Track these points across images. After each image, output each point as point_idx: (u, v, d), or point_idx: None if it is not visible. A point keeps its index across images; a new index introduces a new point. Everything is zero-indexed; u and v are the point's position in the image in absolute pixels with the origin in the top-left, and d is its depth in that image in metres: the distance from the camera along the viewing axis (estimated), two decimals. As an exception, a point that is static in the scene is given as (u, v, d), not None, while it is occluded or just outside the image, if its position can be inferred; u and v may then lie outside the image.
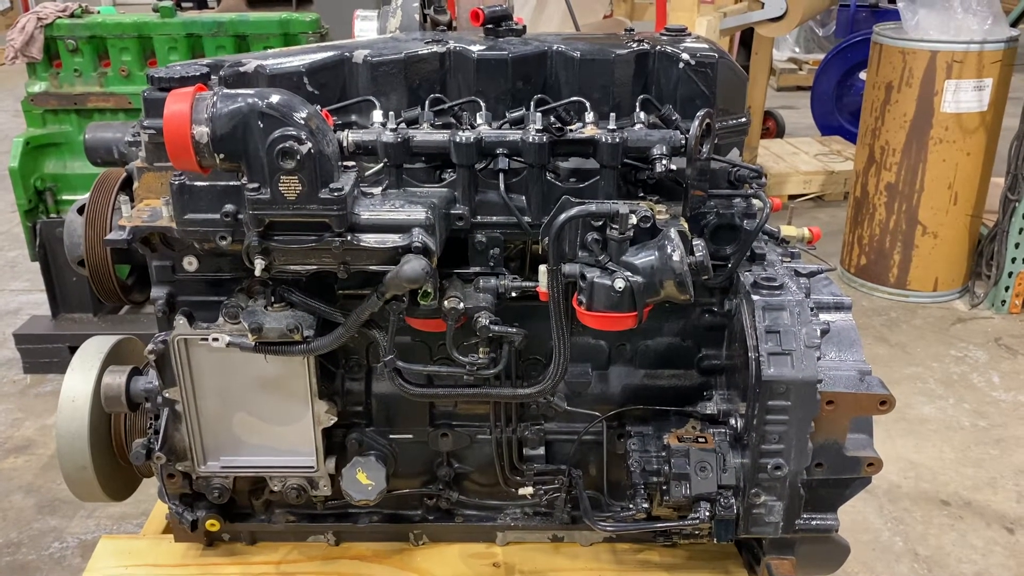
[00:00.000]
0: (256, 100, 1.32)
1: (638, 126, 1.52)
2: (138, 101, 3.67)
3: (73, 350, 1.83)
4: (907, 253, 4.36)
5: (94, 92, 3.68)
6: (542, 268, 1.50)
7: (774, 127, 6.57)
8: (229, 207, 1.42)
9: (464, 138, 1.48)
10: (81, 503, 2.86)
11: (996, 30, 4.03)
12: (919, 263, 4.36)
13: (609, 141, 1.47)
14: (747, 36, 5.70)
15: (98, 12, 3.77)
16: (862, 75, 5.79)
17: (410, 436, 1.77)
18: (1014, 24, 4.41)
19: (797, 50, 8.80)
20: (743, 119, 1.69)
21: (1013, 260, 4.21)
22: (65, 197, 3.76)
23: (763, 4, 4.13)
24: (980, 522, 2.92)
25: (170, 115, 1.30)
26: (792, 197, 5.65)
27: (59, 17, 3.61)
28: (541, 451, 1.76)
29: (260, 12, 3.80)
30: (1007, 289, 4.27)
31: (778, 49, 8.32)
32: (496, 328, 1.53)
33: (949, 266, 4.38)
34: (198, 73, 1.49)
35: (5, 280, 4.75)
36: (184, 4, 8.63)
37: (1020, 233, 4.16)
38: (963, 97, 4.05)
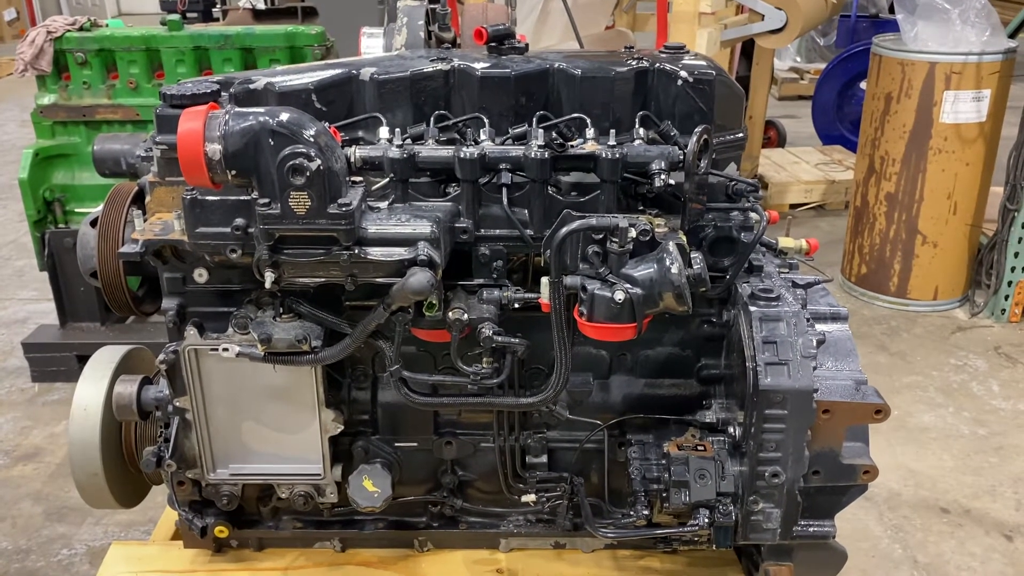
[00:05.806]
0: (267, 118, 1.36)
1: (637, 142, 1.56)
2: (145, 113, 3.74)
3: (81, 359, 1.86)
4: (907, 262, 4.39)
5: (102, 104, 3.71)
6: (544, 280, 1.53)
7: (775, 136, 6.59)
8: (239, 221, 1.45)
9: (468, 154, 1.52)
10: (89, 510, 2.88)
11: (994, 41, 4.06)
12: (919, 272, 4.39)
13: (609, 156, 1.51)
14: (748, 46, 5.74)
15: (107, 25, 3.81)
16: (863, 85, 5.81)
17: (415, 444, 1.80)
18: (1012, 35, 4.43)
19: (799, 60, 8.84)
20: (740, 134, 1.73)
21: (1012, 269, 4.23)
22: (73, 208, 3.79)
23: (763, 16, 4.17)
24: (979, 530, 2.95)
25: (184, 133, 1.34)
26: (793, 206, 5.68)
27: (68, 31, 3.65)
28: (543, 459, 1.79)
29: (266, 25, 3.84)
30: (1007, 298, 4.29)
31: (779, 58, 8.35)
32: (499, 338, 1.56)
33: (949, 275, 4.40)
34: (209, 90, 1.50)
35: (13, 289, 4.80)
36: (189, 15, 8.68)
37: (1019, 242, 4.18)
38: (962, 108, 4.08)
